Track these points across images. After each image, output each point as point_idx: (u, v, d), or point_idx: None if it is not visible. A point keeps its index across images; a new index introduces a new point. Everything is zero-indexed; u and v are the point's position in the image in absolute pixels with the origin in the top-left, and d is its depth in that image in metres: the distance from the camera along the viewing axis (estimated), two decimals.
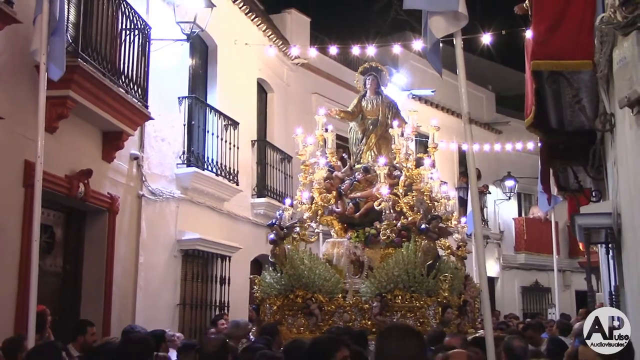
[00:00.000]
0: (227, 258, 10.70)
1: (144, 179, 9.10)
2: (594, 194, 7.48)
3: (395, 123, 9.01)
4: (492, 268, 20.28)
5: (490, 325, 5.01)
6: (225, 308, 10.43)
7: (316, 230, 8.96)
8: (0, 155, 6.26)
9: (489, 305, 5.05)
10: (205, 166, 10.27)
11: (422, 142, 18.86)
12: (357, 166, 9.33)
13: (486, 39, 10.82)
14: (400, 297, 7.57)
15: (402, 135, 8.84)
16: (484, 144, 18.20)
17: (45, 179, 5.87)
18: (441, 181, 16.58)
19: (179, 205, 9.87)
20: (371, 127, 9.46)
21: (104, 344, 5.52)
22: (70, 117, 7.11)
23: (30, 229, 5.88)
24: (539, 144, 7.41)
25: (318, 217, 8.82)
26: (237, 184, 11.04)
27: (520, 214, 21.67)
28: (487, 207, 20.02)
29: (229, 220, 11.21)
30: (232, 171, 10.91)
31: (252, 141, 12.27)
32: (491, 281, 20.09)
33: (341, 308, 7.82)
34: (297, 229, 8.49)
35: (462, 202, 17.13)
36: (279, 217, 8.32)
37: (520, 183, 20.35)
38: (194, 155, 10.07)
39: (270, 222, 8.45)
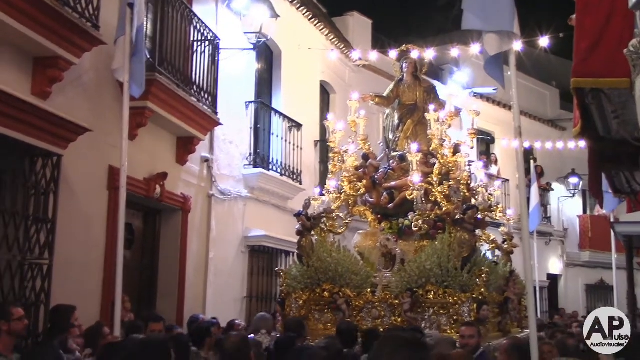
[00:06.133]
0: (291, 253, 11.23)
1: (213, 180, 9.74)
2: None
3: (431, 107, 8.40)
4: (556, 265, 20.21)
5: (534, 326, 5.29)
6: None
7: (345, 221, 8.44)
8: (87, 161, 6.95)
9: (533, 305, 5.34)
10: (271, 167, 10.87)
11: (484, 140, 19.04)
12: (393, 154, 8.79)
13: (544, 41, 10.94)
14: (432, 293, 7.10)
15: (439, 120, 8.27)
16: (547, 141, 18.15)
17: (126, 182, 6.52)
18: (502, 178, 16.79)
19: (246, 204, 10.49)
20: (408, 113, 8.92)
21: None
22: (148, 125, 7.79)
23: (114, 227, 6.58)
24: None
25: (350, 207, 8.43)
26: (301, 183, 11.58)
27: (585, 212, 21.40)
28: (550, 205, 19.91)
29: (293, 217, 11.72)
30: (295, 171, 11.47)
31: (315, 141, 12.78)
32: (554, 279, 20.03)
33: (370, 304, 7.34)
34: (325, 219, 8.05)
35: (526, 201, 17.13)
36: (306, 205, 7.98)
37: (584, 180, 20.12)
38: (260, 157, 10.67)
39: (297, 212, 8.16)
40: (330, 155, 8.79)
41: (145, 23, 6.77)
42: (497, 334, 7.44)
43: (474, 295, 7.01)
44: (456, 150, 8.41)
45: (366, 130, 9.06)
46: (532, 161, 16.62)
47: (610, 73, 4.84)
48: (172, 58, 8.16)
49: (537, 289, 15.70)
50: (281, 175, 11.10)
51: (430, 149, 8.43)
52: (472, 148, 8.61)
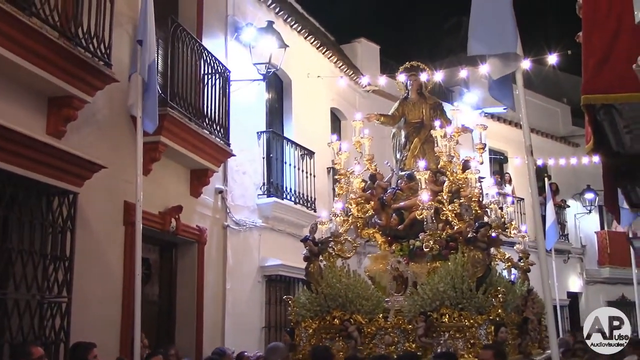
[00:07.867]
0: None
1: (228, 211, 9.76)
2: None
3: (437, 123, 8.22)
4: (575, 283, 20.01)
5: (555, 347, 5.22)
6: None
7: (354, 245, 8.21)
8: (103, 198, 7.00)
9: (553, 324, 5.27)
10: (284, 195, 10.90)
11: (497, 160, 18.99)
12: (401, 174, 8.66)
13: (552, 59, 10.95)
14: (447, 316, 6.78)
15: (446, 136, 8.09)
16: (560, 158, 18.08)
17: (142, 217, 6.56)
18: (517, 197, 16.66)
19: (261, 233, 10.50)
20: (414, 131, 8.81)
21: None
22: (161, 160, 7.85)
23: (131, 262, 6.64)
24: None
25: (358, 230, 8.22)
26: (315, 211, 11.55)
27: (602, 227, 21.22)
28: (567, 222, 19.76)
29: None
30: (309, 199, 11.50)
31: (327, 169, 12.78)
32: (575, 297, 19.79)
33: (382, 330, 7.04)
34: (332, 243, 7.83)
35: (542, 219, 17.01)
36: (312, 230, 7.73)
37: (600, 196, 19.97)
38: (273, 186, 10.71)
39: (304, 237, 7.89)
40: (336, 177, 8.64)
41: (156, 59, 6.87)
42: (517, 356, 7.25)
43: (490, 317, 6.76)
44: (465, 166, 8.21)
45: (377, 152, 9.00)
46: (546, 179, 16.51)
47: (620, 88, 4.82)
48: (184, 92, 8.25)
49: (558, 307, 15.50)
50: (295, 203, 11.13)
51: (439, 166, 8.27)
52: (481, 163, 8.41)
